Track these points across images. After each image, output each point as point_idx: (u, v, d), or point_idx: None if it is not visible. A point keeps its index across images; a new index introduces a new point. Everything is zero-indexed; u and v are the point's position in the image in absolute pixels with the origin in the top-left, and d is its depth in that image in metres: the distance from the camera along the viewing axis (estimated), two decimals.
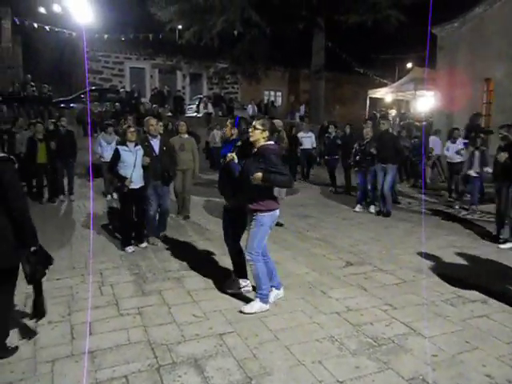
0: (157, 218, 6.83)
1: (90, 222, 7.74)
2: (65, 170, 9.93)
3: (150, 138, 6.70)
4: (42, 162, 9.48)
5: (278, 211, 4.30)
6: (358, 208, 9.06)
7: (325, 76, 23.73)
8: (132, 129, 6.46)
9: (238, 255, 4.73)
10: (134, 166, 6.26)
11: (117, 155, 6.31)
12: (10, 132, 10.64)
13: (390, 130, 9.17)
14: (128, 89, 22.48)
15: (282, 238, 7.06)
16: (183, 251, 6.35)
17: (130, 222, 6.44)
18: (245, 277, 4.77)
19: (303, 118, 23.46)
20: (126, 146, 6.33)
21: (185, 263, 5.78)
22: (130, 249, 6.34)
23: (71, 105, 19.16)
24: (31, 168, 9.69)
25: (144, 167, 6.39)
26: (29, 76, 18.31)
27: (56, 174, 9.85)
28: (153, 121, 6.76)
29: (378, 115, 22.36)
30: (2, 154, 3.42)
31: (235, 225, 4.66)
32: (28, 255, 3.49)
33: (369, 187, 8.91)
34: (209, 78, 27.34)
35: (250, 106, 23.77)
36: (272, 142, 4.20)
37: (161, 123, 8.19)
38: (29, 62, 22.90)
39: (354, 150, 9.03)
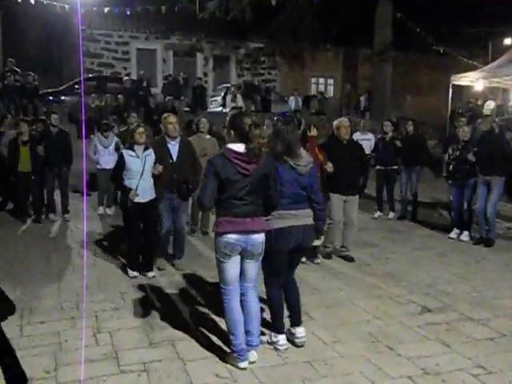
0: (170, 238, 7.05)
1: (83, 249, 7.88)
2: (56, 181, 10.19)
3: (167, 139, 6.88)
4: (24, 170, 9.77)
5: (234, 237, 4.24)
6: (454, 234, 8.92)
7: (392, 57, 23.61)
8: (141, 129, 6.67)
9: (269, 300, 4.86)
10: (142, 175, 6.49)
11: (121, 161, 6.55)
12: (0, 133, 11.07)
13: (496, 130, 8.96)
14: (134, 77, 22.98)
15: (334, 272, 7.02)
16: (204, 287, 6.38)
17: (135, 243, 6.72)
18: (277, 330, 4.76)
19: (363, 114, 23.35)
20: (133, 150, 6.56)
21: (206, 304, 5.80)
22: (132, 273, 6.69)
23: (62, 97, 19.76)
24: (12, 178, 10.01)
25: (155, 176, 6.60)
26: (12, 60, 18.97)
27: (44, 186, 10.12)
28: (173, 118, 6.95)
29: (460, 110, 21.97)
30: None
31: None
32: None
33: (465, 206, 8.74)
34: (238, 62, 27.69)
35: (292, 97, 23.88)
36: (230, 146, 4.25)
37: None
38: (9, 43, 23.75)
39: (446, 156, 8.93)
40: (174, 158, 6.83)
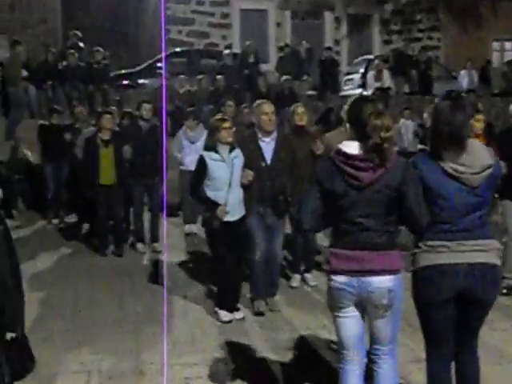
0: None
1: (167, 290, 8.07)
2: (146, 196, 10.49)
3: (260, 135, 7.13)
4: (106, 182, 9.86)
5: (343, 280, 4.09)
6: None
7: None
8: (227, 123, 6.93)
9: None
10: (230, 185, 6.79)
11: (201, 167, 6.87)
12: (75, 129, 11.83)
13: None
14: (237, 49, 23.31)
15: None
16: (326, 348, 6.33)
17: (226, 275, 7.04)
18: None
19: None
20: (217, 151, 6.86)
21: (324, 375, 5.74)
22: (225, 316, 7.06)
23: (140, 81, 20.48)
24: (88, 193, 10.17)
25: (245, 187, 6.90)
26: (77, 33, 19.86)
27: (130, 204, 10.50)
28: (268, 107, 7.15)
29: None
30: None
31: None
32: None
33: None
34: (384, 24, 27.45)
35: (463, 72, 23.25)
36: (340, 146, 4.14)
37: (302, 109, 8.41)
38: (71, 11, 24.99)
39: None
40: (268, 160, 7.07)
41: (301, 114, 8.09)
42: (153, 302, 7.86)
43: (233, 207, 6.83)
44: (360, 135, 4.04)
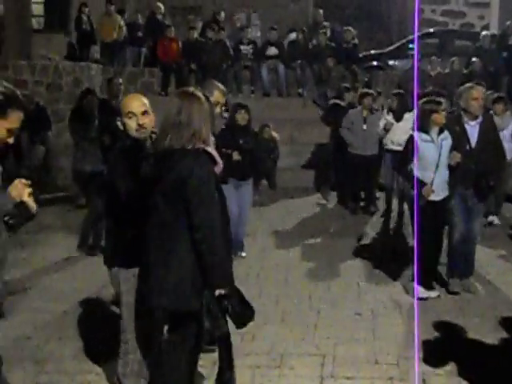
0: None
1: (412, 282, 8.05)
2: None
3: (465, 118, 7.47)
4: None
5: None
6: None
7: None
8: (442, 107, 7.41)
9: None
10: (437, 166, 7.20)
11: (411, 146, 7.31)
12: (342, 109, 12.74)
13: None
14: (496, 30, 22.49)
15: None
16: None
17: (432, 252, 7.43)
18: None
19: None
20: (427, 132, 7.30)
21: None
22: (432, 293, 7.51)
23: (390, 62, 20.36)
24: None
25: (451, 169, 7.28)
26: (320, 11, 20.12)
27: None
28: (477, 92, 7.46)
29: None
30: (199, 145, 4.09)
31: None
32: (208, 301, 4.02)
33: None
34: None
35: None
36: None
37: None
38: None
39: None
40: (473, 143, 7.39)
41: None
42: (393, 293, 7.92)
43: (438, 187, 7.24)
44: None
